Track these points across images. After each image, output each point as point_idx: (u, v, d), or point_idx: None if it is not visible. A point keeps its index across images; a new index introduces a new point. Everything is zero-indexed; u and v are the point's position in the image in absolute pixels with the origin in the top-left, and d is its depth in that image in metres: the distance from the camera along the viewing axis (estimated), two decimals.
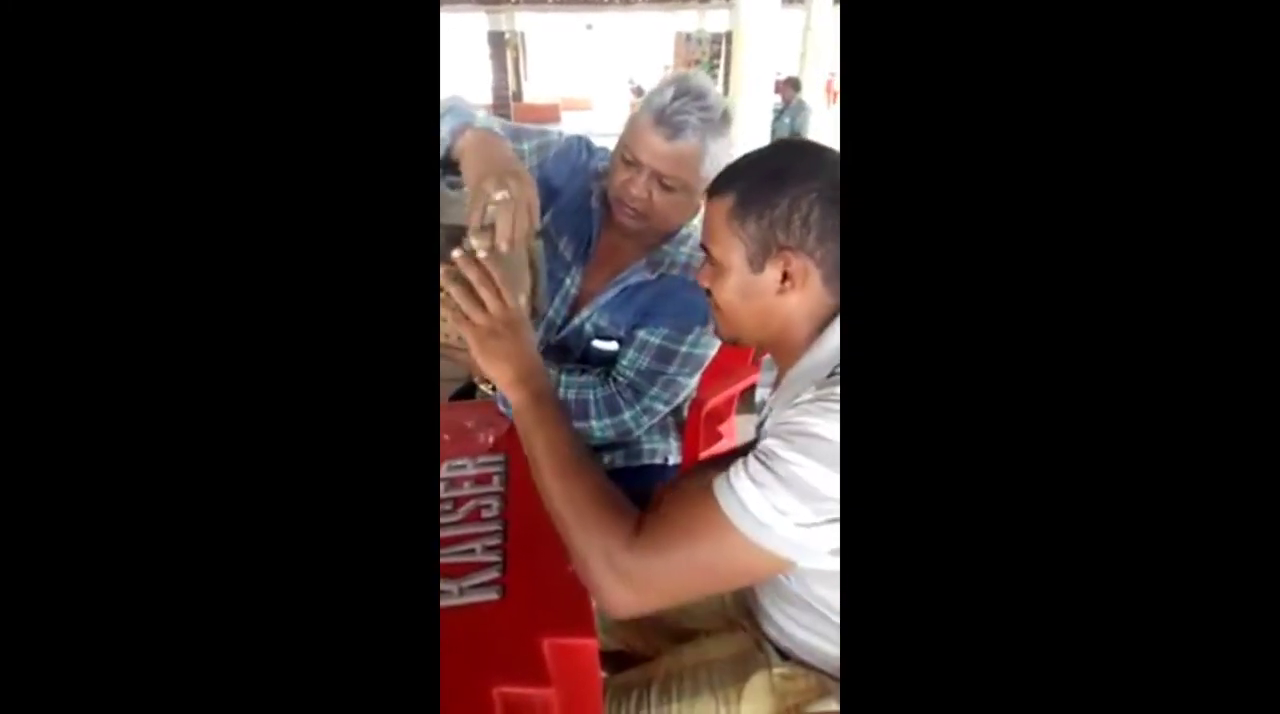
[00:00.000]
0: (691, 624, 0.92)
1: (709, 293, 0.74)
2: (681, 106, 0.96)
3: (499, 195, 0.74)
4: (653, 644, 0.92)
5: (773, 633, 0.80)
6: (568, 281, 1.14)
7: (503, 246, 0.74)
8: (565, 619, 0.67)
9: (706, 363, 1.10)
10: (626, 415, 1.06)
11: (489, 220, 0.74)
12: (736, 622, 0.89)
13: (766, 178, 0.67)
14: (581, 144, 1.18)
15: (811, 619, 0.73)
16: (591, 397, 1.05)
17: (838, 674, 0.75)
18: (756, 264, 0.67)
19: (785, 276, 0.66)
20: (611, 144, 1.09)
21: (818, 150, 0.70)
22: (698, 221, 1.10)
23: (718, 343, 1.09)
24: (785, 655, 0.79)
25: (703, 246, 0.73)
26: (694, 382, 1.12)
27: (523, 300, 0.84)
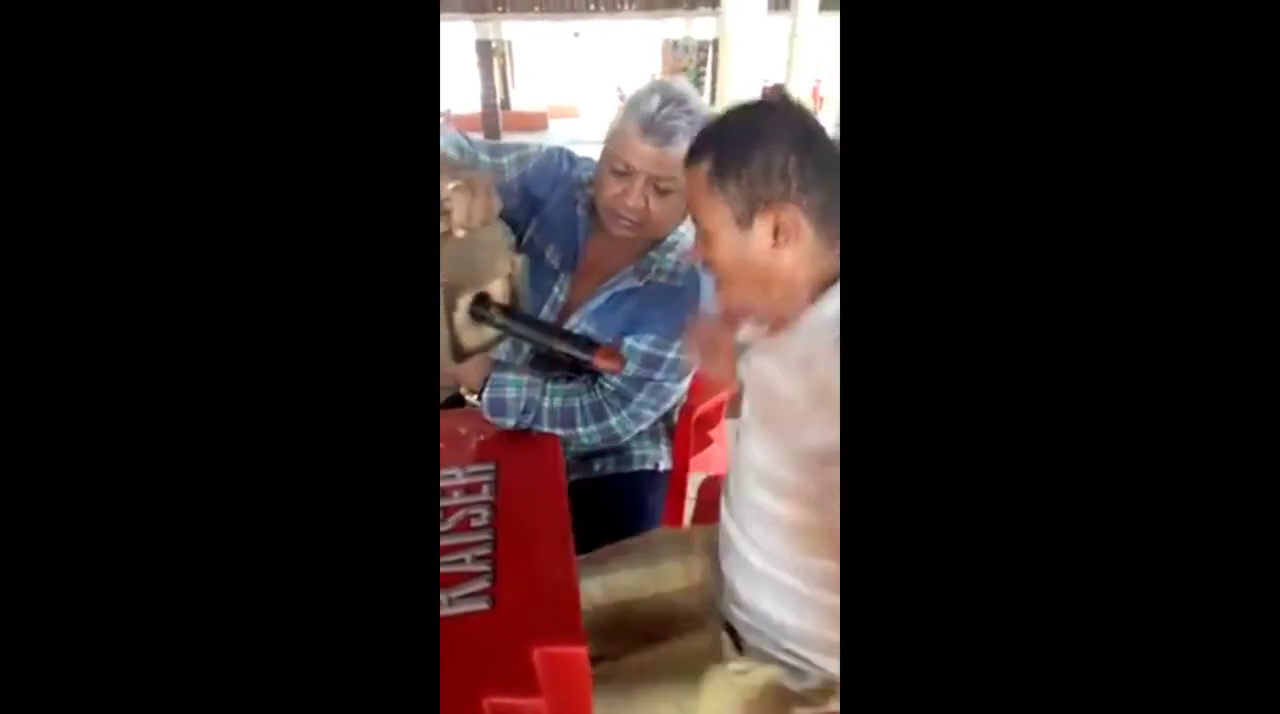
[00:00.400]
0: (658, 627, 0.92)
1: (707, 266, 0.74)
2: (670, 113, 0.97)
3: (451, 184, 0.75)
4: (623, 648, 0.92)
5: (741, 616, 0.80)
6: (555, 289, 1.14)
7: (459, 233, 0.75)
8: (555, 628, 0.66)
9: (694, 369, 1.10)
10: (613, 421, 1.06)
11: (445, 208, 0.75)
12: (701, 620, 0.90)
13: (739, 137, 0.68)
14: (562, 155, 1.19)
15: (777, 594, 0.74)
16: (578, 404, 1.05)
17: (801, 652, 0.76)
18: (745, 221, 0.67)
19: (777, 230, 0.66)
20: (597, 152, 1.10)
21: (785, 104, 0.72)
22: (684, 228, 1.11)
23: None
24: (743, 650, 0.80)
25: (693, 218, 0.73)
26: (683, 387, 1.13)
27: (498, 285, 0.84)
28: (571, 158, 1.19)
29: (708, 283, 1.08)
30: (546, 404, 1.04)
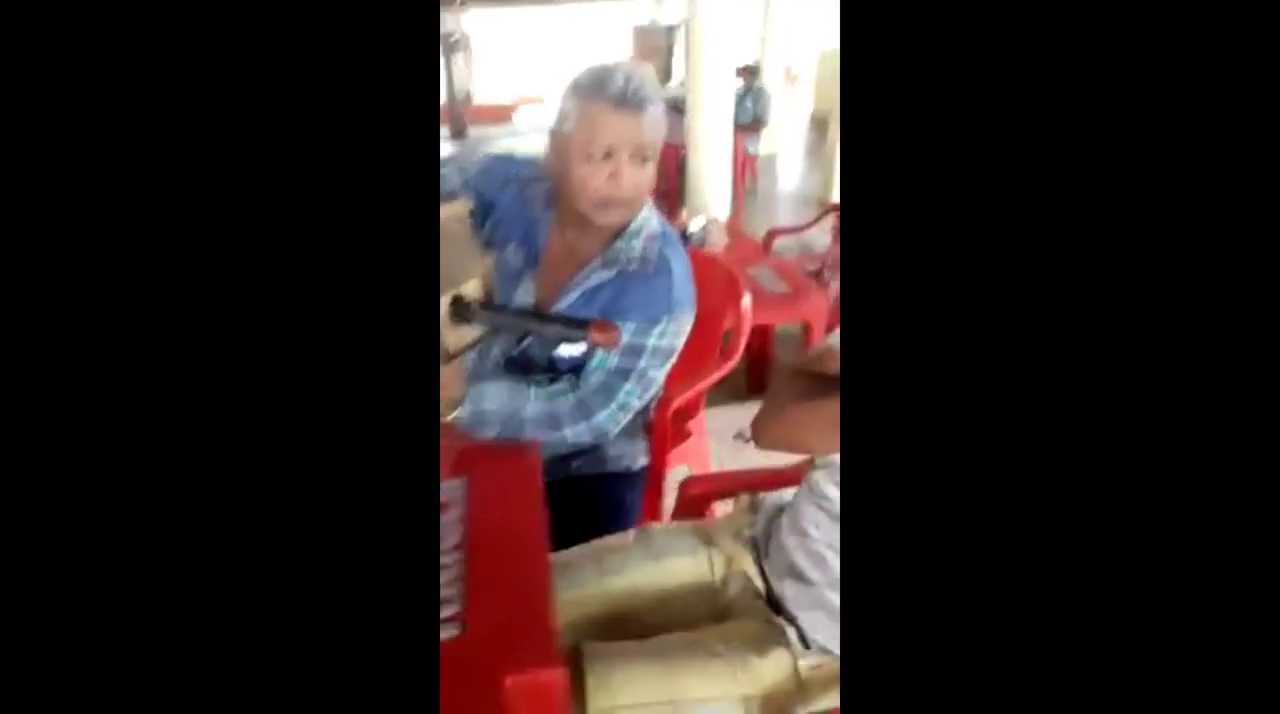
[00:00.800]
0: (668, 622, 0.91)
1: None
2: (637, 83, 0.97)
3: None
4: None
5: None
6: (520, 290, 1.10)
7: None
8: (528, 653, 0.63)
9: (675, 354, 1.08)
10: (601, 416, 1.04)
11: None
12: (726, 613, 0.91)
13: None
14: (504, 158, 1.18)
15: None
16: (562, 406, 1.03)
17: None
18: None
19: None
20: None
21: None
22: (646, 212, 1.08)
23: (685, 333, 1.07)
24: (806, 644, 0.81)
25: None
26: (664, 373, 1.10)
27: (473, 284, 0.81)
28: (512, 157, 1.18)
29: (680, 266, 1.06)
30: (529, 411, 1.01)
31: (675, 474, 1.40)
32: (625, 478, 1.21)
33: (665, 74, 9.27)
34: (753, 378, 2.54)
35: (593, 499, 1.17)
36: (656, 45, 10.24)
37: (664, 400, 1.31)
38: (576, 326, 0.82)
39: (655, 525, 1.03)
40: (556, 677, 0.62)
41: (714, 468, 1.65)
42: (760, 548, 0.95)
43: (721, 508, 1.24)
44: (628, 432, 1.21)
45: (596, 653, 0.79)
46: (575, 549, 0.99)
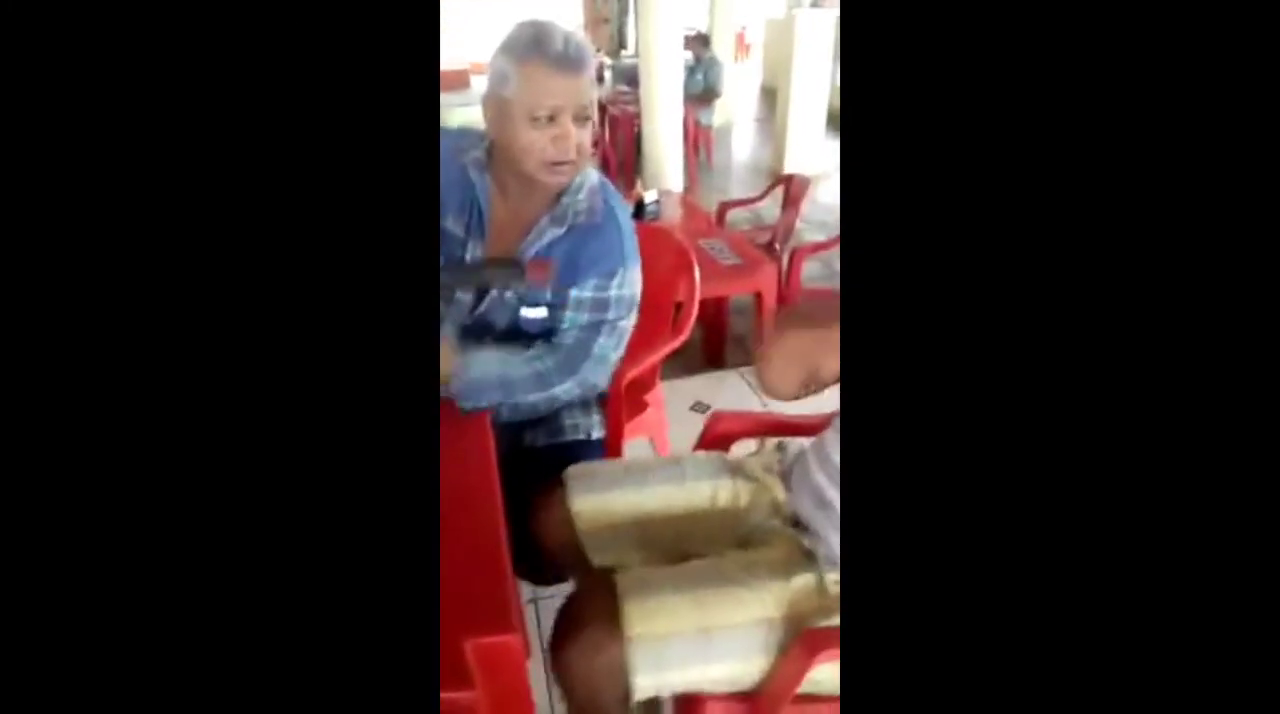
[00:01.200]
0: (692, 544, 0.95)
1: None
2: (576, 43, 0.97)
3: None
4: (654, 560, 0.96)
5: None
6: (467, 258, 1.10)
7: None
8: (485, 618, 0.65)
9: (637, 301, 1.12)
10: (585, 370, 1.08)
11: None
12: (750, 538, 0.96)
13: None
14: None
15: None
16: (544, 366, 1.06)
17: None
18: None
19: None
20: None
21: None
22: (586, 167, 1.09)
23: (640, 280, 1.11)
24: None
25: None
26: (632, 321, 1.14)
27: None
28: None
29: (624, 215, 1.09)
30: (515, 374, 1.04)
31: (633, 446, 1.42)
32: (581, 448, 1.22)
33: (619, 41, 9.13)
34: (709, 350, 2.57)
35: (548, 469, 1.18)
36: (606, 12, 10.08)
37: (617, 372, 1.32)
38: (514, 268, 0.87)
39: (696, 454, 1.07)
40: (514, 641, 0.63)
41: (670, 440, 1.67)
42: (786, 481, 0.99)
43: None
44: (581, 403, 1.22)
45: (630, 585, 0.83)
46: (596, 462, 1.04)
